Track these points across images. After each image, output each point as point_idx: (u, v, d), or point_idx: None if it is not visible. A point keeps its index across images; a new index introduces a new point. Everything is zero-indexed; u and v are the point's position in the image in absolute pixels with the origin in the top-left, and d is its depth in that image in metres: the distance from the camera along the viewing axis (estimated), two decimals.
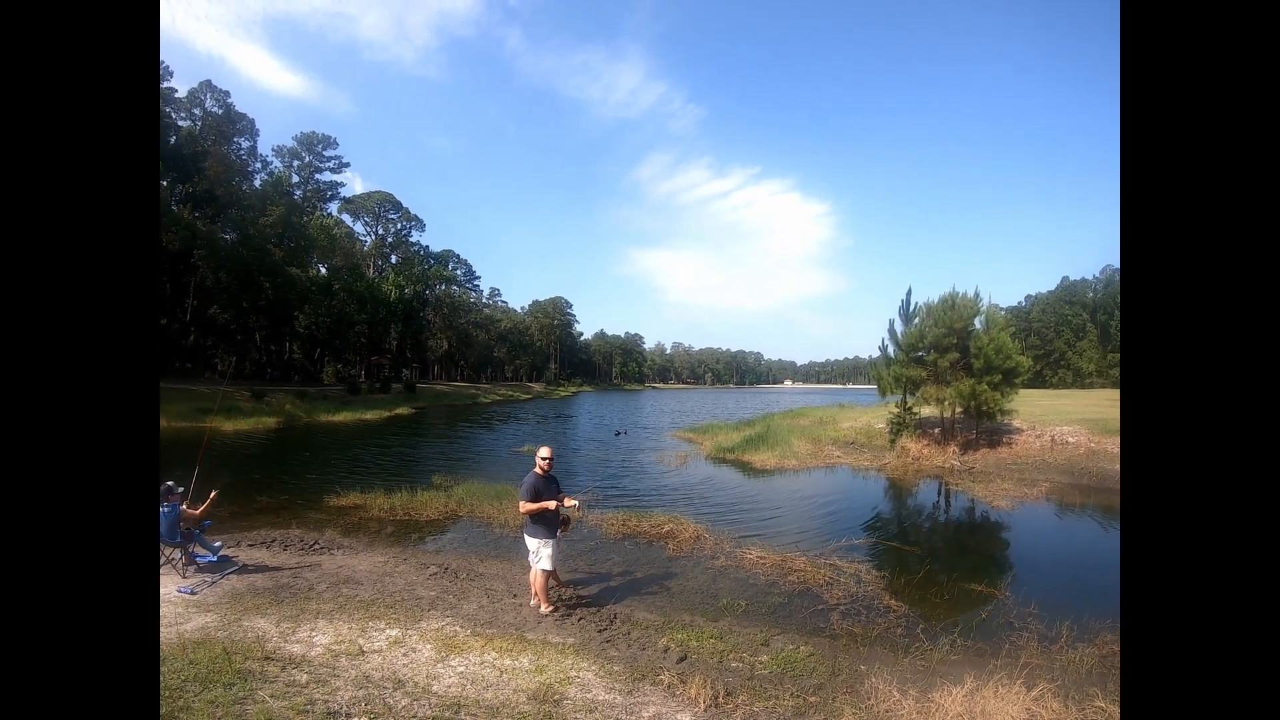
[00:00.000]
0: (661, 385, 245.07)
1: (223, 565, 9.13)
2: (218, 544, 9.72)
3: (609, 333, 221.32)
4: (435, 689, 5.46)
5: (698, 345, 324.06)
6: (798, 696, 5.79)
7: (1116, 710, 5.47)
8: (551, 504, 7.99)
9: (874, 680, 6.08)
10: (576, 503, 8.64)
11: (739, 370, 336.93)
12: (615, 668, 6.16)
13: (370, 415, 46.53)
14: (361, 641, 6.51)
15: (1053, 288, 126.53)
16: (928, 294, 27.76)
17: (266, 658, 5.89)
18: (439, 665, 5.99)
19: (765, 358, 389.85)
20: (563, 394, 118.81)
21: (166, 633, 6.45)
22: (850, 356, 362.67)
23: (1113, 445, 21.32)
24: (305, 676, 5.51)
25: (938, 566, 10.93)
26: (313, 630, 6.82)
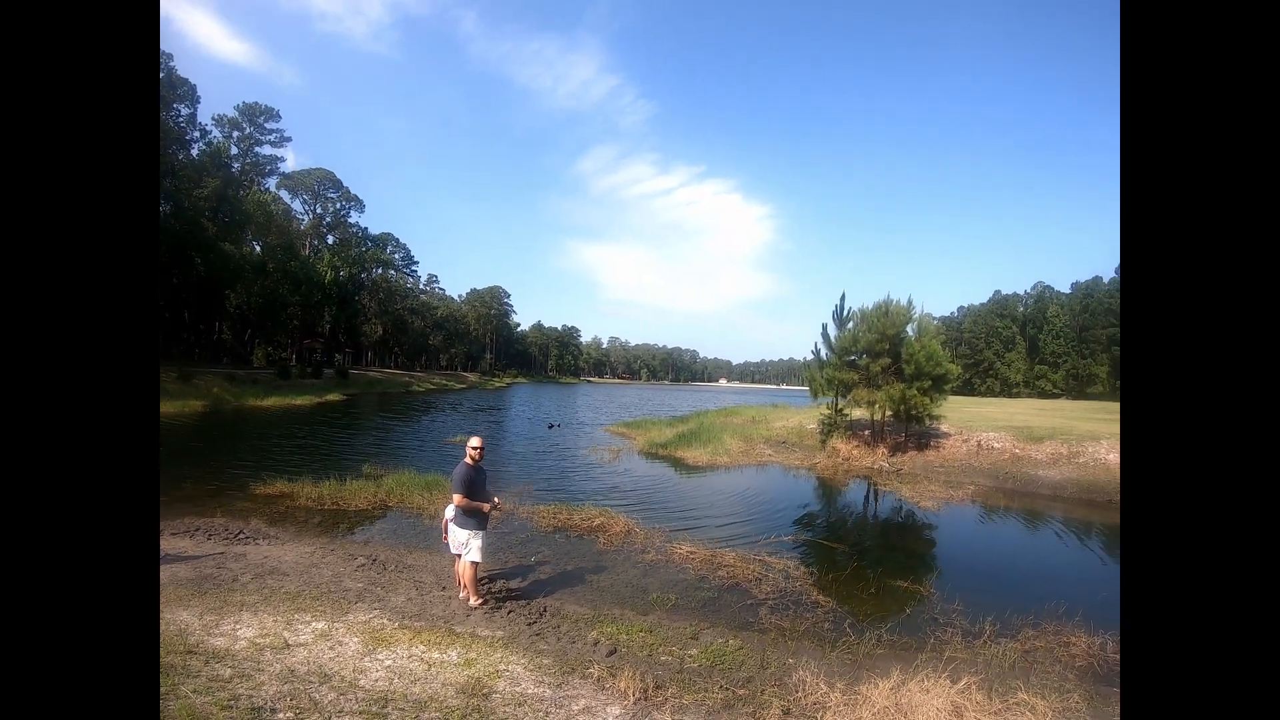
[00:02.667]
0: (597, 379, 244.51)
1: None
2: None
3: (546, 325, 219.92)
4: (362, 683, 5.37)
5: (634, 341, 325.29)
6: (727, 689, 5.87)
7: (1038, 702, 5.69)
8: (486, 506, 7.95)
9: (802, 673, 6.20)
10: (499, 502, 8.60)
11: (675, 367, 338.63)
12: (545, 661, 6.15)
13: (301, 401, 45.33)
14: (287, 635, 6.35)
15: (985, 300, 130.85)
16: (863, 301, 28.34)
17: (189, 651, 5.69)
18: (366, 659, 5.89)
19: (701, 356, 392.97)
20: (497, 385, 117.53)
21: None
22: (785, 358, 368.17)
23: (1036, 451, 22.19)
24: (229, 671, 5.34)
25: (865, 563, 11.20)
26: (237, 623, 6.61)
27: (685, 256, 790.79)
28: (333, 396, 52.30)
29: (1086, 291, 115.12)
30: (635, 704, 5.36)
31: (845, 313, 25.67)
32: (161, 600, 7.14)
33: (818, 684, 5.96)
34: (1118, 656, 7.21)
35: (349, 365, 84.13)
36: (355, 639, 6.36)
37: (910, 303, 24.17)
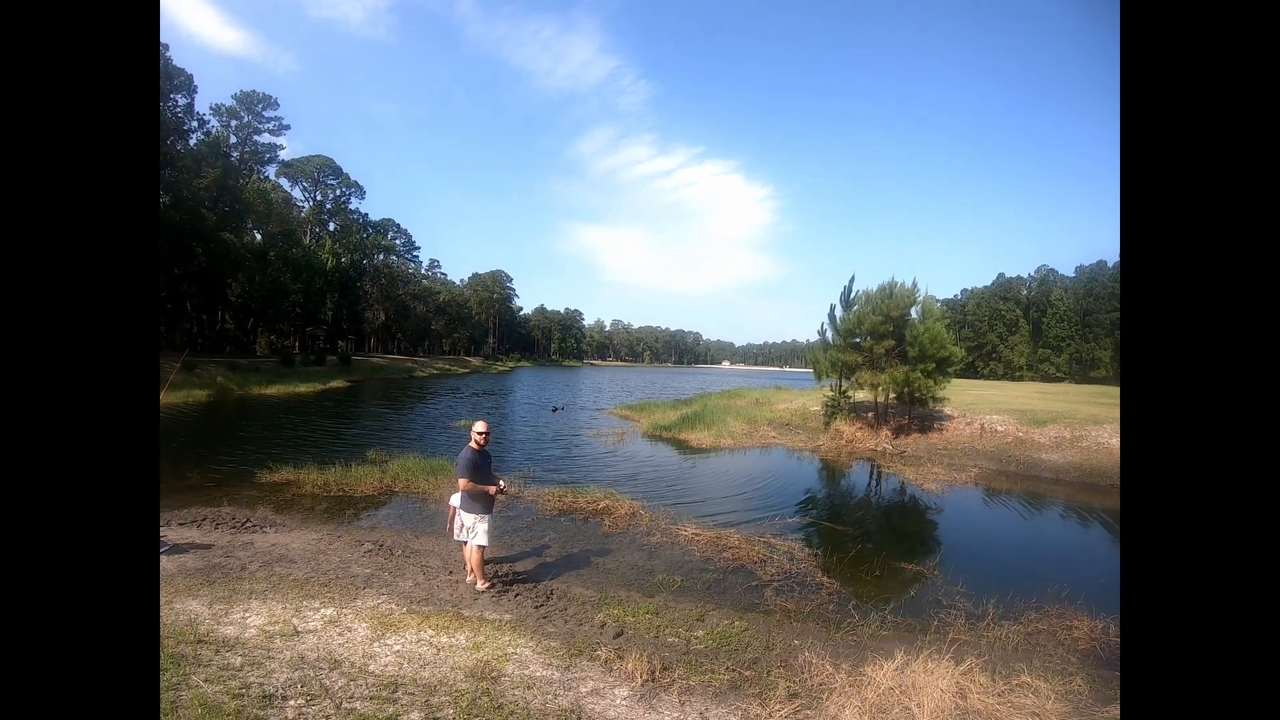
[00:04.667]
0: (600, 362, 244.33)
1: None
2: None
3: (549, 308, 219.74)
4: (372, 668, 5.40)
5: (637, 323, 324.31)
6: (733, 670, 5.91)
7: (1041, 684, 5.72)
8: (492, 489, 7.98)
9: (807, 654, 6.26)
10: (505, 485, 8.63)
11: (677, 350, 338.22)
12: (552, 643, 6.19)
13: (304, 388, 45.34)
14: (296, 622, 6.38)
15: (989, 283, 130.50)
16: (866, 283, 28.36)
17: (199, 641, 5.72)
18: (375, 644, 5.92)
19: (704, 338, 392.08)
20: (501, 369, 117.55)
21: None
22: (788, 340, 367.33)
23: (1039, 435, 22.24)
24: (240, 659, 5.37)
25: (869, 546, 11.26)
26: (246, 611, 6.63)
27: (686, 238, 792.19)
28: (336, 383, 52.29)
29: (1090, 275, 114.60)
30: (643, 685, 5.40)
31: (852, 295, 25.66)
32: (171, 590, 7.18)
33: (823, 665, 6.01)
34: (1119, 640, 7.24)
35: (352, 352, 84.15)
36: (364, 625, 6.39)
37: (914, 285, 24.23)
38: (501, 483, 8.27)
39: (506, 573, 8.65)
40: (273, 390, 41.95)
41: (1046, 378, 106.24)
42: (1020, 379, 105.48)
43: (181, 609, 6.60)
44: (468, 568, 8.08)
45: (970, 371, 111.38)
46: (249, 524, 10.65)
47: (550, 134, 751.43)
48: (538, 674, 5.48)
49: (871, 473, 19.60)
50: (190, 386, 35.81)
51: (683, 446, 22.86)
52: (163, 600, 6.86)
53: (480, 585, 7.86)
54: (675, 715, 5.01)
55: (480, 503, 7.87)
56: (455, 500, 8.13)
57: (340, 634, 6.14)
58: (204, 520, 10.70)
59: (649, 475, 17.24)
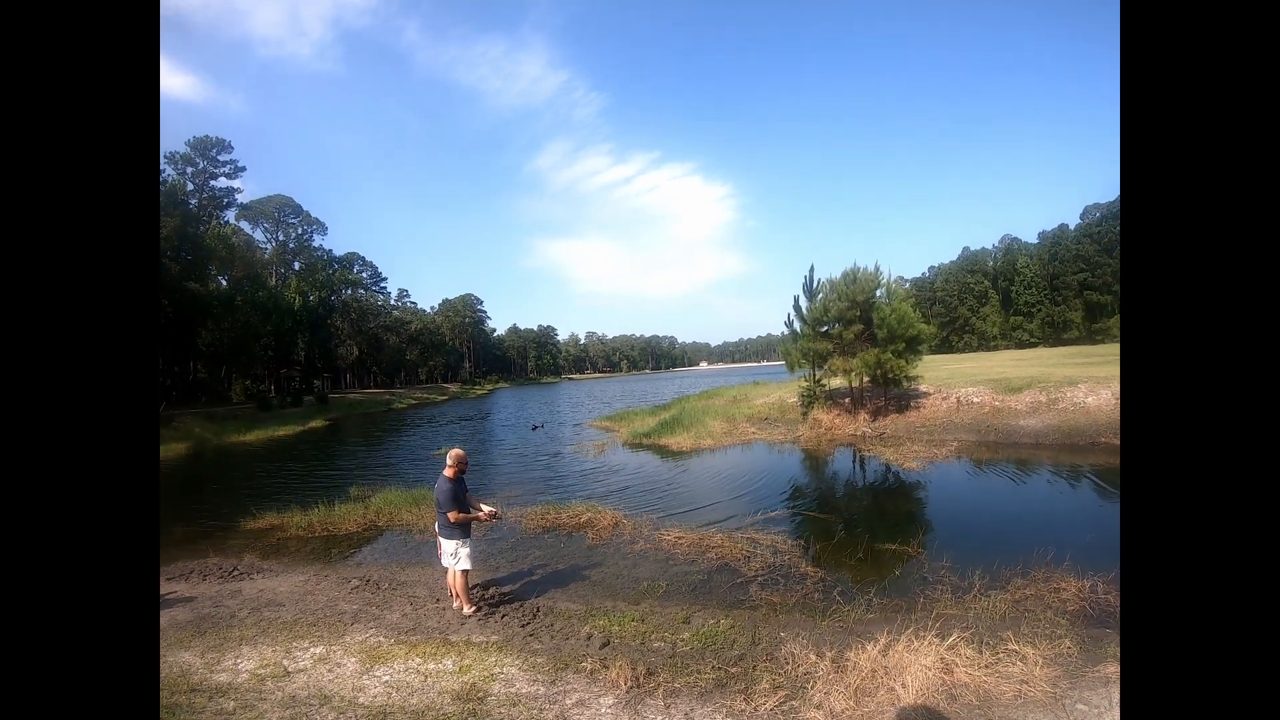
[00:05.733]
0: (578, 376, 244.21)
1: None
2: None
3: (522, 327, 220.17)
4: (361, 700, 5.48)
5: (611, 333, 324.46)
6: (719, 669, 5.96)
7: (1028, 650, 5.77)
8: (482, 514, 8.08)
9: (791, 645, 6.31)
10: (498, 510, 8.71)
11: (654, 355, 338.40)
12: (539, 660, 6.26)
13: (283, 431, 44.98)
14: (286, 663, 6.44)
15: (954, 258, 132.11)
16: (833, 270, 28.61)
17: (193, 690, 5.81)
18: (364, 677, 5.99)
19: (680, 341, 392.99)
20: (479, 392, 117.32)
21: None
22: (763, 334, 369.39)
23: (1015, 402, 22.51)
24: (233, 704, 5.46)
25: (854, 530, 11.39)
26: (237, 657, 6.70)
27: (652, 244, 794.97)
28: (315, 423, 51.91)
29: (1054, 239, 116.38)
30: (628, 692, 5.48)
31: (815, 284, 25.86)
32: (163, 644, 7.21)
33: (807, 655, 6.07)
34: (1108, 598, 7.34)
35: (328, 390, 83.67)
36: (353, 659, 6.45)
37: (877, 268, 24.42)
38: (485, 508, 8.34)
39: (492, 595, 8.69)
40: (251, 436, 41.56)
41: (1021, 344, 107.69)
42: (995, 349, 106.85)
43: (174, 661, 6.66)
44: (452, 594, 8.14)
45: (945, 347, 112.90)
46: (236, 572, 10.62)
47: (508, 151, 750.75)
48: (523, 691, 5.56)
49: (853, 457, 19.76)
50: (168, 440, 35.42)
51: (663, 452, 22.92)
52: None
53: (466, 610, 7.90)
54: (660, 719, 5.10)
55: (460, 528, 7.93)
56: (436, 527, 8.20)
57: (330, 670, 6.20)
58: (191, 573, 10.66)
59: (631, 484, 17.28)
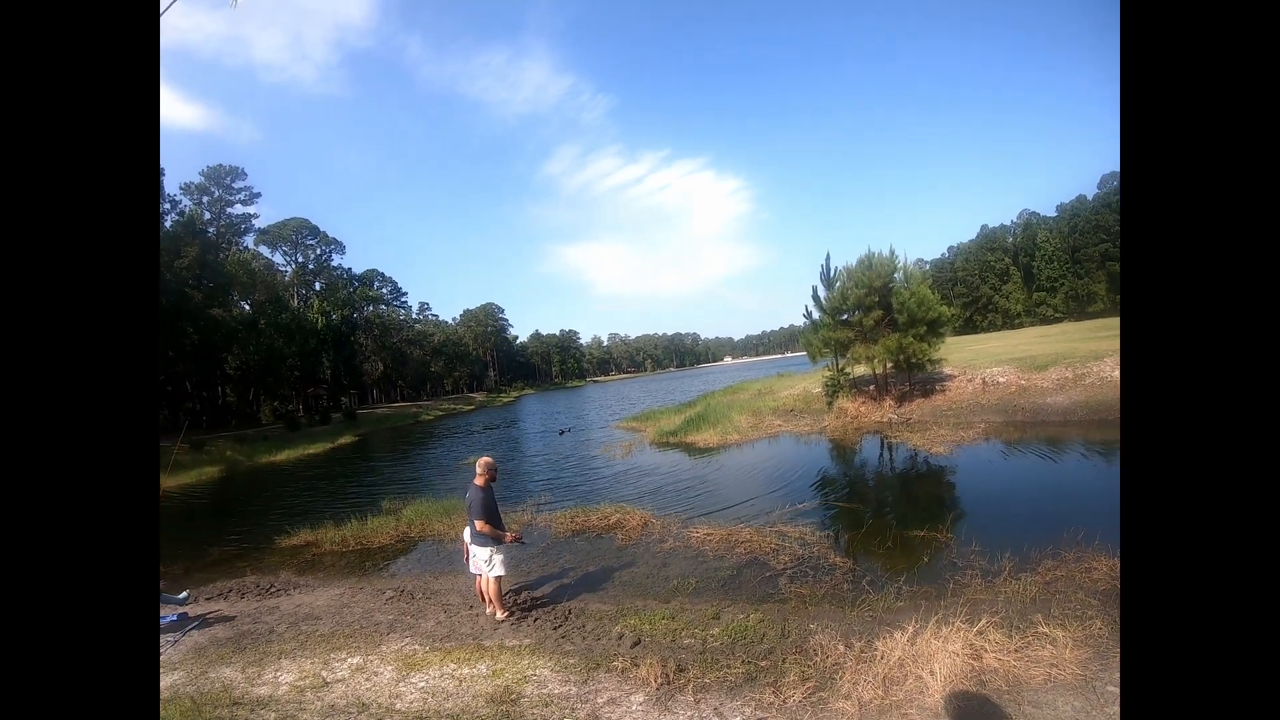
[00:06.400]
0: (603, 378, 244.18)
1: (183, 624, 9.02)
2: (184, 595, 9.66)
3: (544, 332, 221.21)
4: (398, 706, 5.60)
5: (634, 333, 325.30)
6: (748, 663, 5.97)
7: (1059, 633, 5.68)
8: (508, 536, 8.13)
9: (820, 636, 6.31)
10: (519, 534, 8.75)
11: (678, 353, 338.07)
12: (570, 661, 6.34)
13: (314, 449, 45.57)
14: (324, 674, 6.59)
15: (973, 237, 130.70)
16: (850, 256, 28.51)
17: (234, 703, 5.97)
18: (401, 684, 6.11)
19: (703, 337, 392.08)
20: (505, 400, 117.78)
21: None
22: (785, 326, 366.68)
23: (1041, 380, 22.23)
24: (274, 715, 5.61)
25: (883, 518, 11.38)
26: (277, 670, 6.87)
27: (669, 242, 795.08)
28: (345, 440, 52.50)
29: (1073, 211, 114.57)
30: (658, 689, 5.53)
31: (832, 272, 25.80)
32: (204, 661, 7.45)
33: (835, 646, 6.06)
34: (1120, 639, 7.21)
35: (356, 406, 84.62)
36: (389, 667, 6.58)
37: (892, 252, 24.29)
38: (509, 534, 8.35)
39: (525, 599, 8.81)
40: (282, 456, 42.14)
41: (1045, 320, 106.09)
42: (1020, 326, 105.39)
43: (216, 677, 6.85)
44: (486, 600, 8.25)
45: (969, 327, 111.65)
46: (273, 589, 10.84)
47: (518, 159, 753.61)
48: (555, 691, 5.64)
49: (879, 445, 19.70)
50: (200, 465, 36.04)
51: (690, 449, 22.96)
52: (197, 671, 7.13)
53: (500, 615, 8.01)
54: (690, 714, 5.13)
55: (493, 536, 8.04)
56: (467, 535, 8.30)
57: (367, 679, 6.34)
58: (229, 592, 10.90)
59: (659, 483, 17.35)
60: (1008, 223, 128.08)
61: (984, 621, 5.99)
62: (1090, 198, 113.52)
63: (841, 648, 6.04)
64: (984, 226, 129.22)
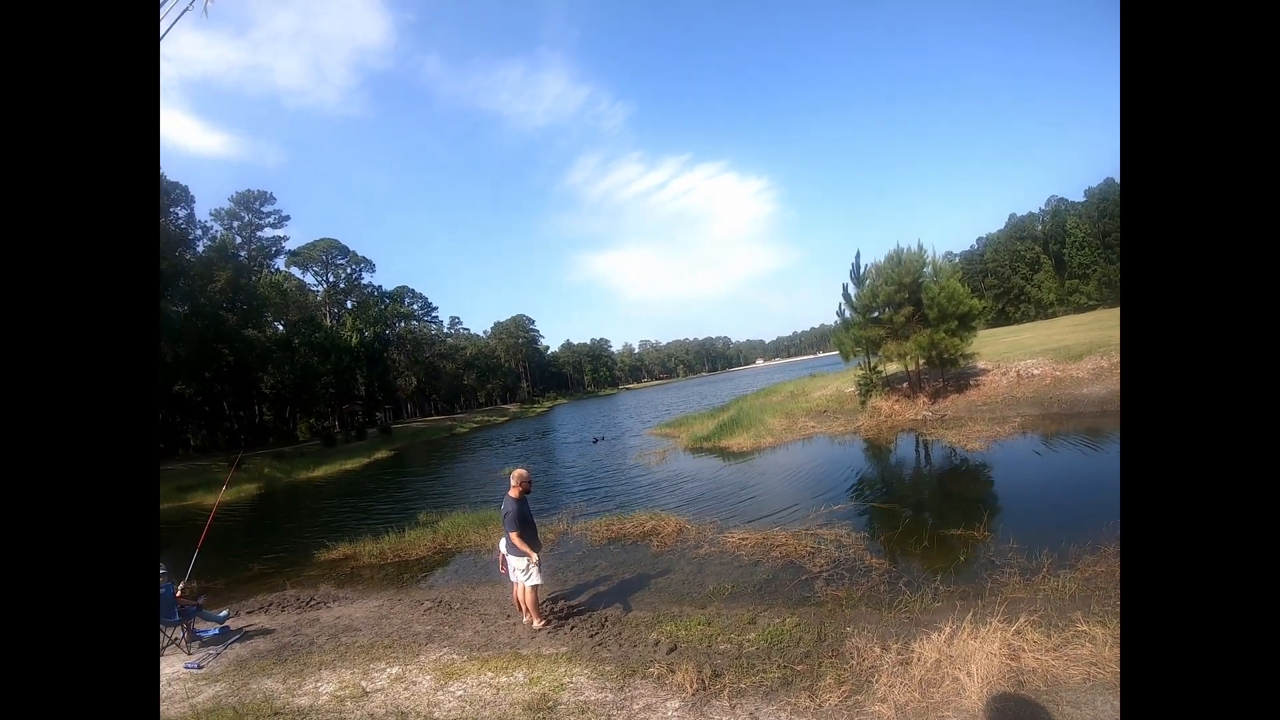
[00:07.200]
0: (635, 385, 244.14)
1: (225, 637, 9.20)
2: (224, 613, 9.86)
3: (575, 342, 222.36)
4: (437, 715, 5.68)
5: (665, 339, 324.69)
6: (784, 667, 5.94)
7: (1098, 630, 5.55)
8: (533, 556, 8.05)
9: (856, 639, 6.27)
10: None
11: (709, 357, 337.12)
12: (607, 668, 6.37)
13: (350, 464, 46.17)
14: (364, 684, 6.71)
15: (1001, 227, 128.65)
16: (878, 253, 28.17)
17: (276, 713, 6.13)
18: (439, 693, 6.19)
19: (734, 341, 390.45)
20: (538, 410, 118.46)
21: (179, 708, 6.64)
22: (816, 325, 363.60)
23: (1076, 370, 21.89)
24: None
25: (918, 518, 11.25)
26: (318, 681, 7.01)
27: (695, 245, 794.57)
28: (381, 454, 53.13)
29: (1101, 195, 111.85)
30: (694, 695, 5.54)
31: (862, 270, 25.60)
32: (246, 673, 7.64)
33: (872, 648, 6.02)
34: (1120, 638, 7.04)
35: (391, 421, 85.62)
36: (428, 677, 6.67)
37: (921, 246, 24.04)
38: (533, 556, 8.17)
39: (561, 608, 8.84)
40: (319, 472, 42.77)
41: (1080, 308, 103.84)
42: (1054, 315, 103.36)
43: (257, 688, 7.01)
44: (523, 609, 8.29)
45: (1002, 319, 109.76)
46: (313, 602, 11.00)
47: (539, 170, 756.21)
48: (592, 698, 5.67)
49: (915, 443, 19.47)
50: (240, 482, 36.67)
51: (724, 454, 22.89)
52: (239, 683, 7.31)
53: (536, 624, 8.06)
54: (726, 719, 5.14)
55: (529, 545, 8.08)
56: (504, 545, 8.36)
57: (406, 688, 6.44)
58: (270, 605, 11.09)
59: (694, 488, 17.32)
60: (1036, 210, 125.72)
61: (1022, 620, 5.90)
62: (1119, 180, 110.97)
63: (878, 650, 5.98)
64: (1012, 215, 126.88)
